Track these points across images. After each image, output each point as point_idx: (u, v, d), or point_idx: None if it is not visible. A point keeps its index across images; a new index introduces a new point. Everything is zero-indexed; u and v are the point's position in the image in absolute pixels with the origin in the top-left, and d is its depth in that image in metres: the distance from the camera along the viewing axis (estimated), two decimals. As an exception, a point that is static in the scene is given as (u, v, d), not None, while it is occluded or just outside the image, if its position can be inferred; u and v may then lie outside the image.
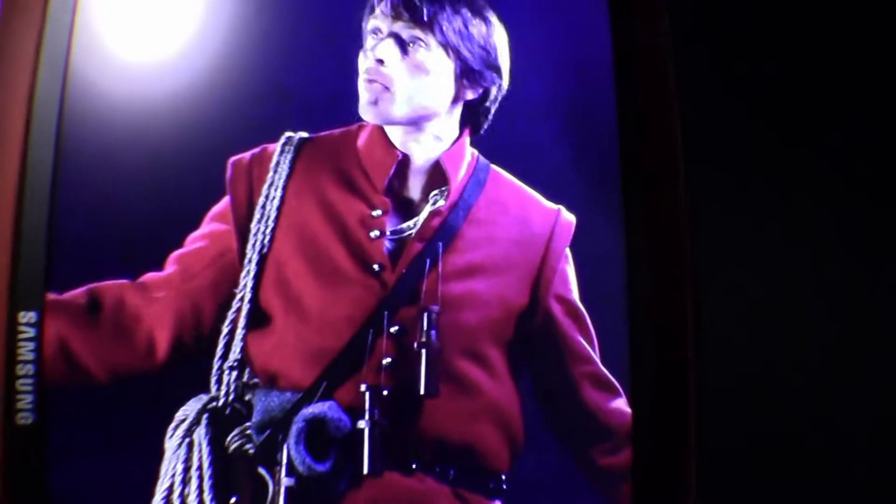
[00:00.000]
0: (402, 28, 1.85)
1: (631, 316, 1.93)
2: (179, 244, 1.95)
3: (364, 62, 1.87)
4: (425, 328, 1.80)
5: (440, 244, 1.85)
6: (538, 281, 1.89)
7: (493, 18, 1.92)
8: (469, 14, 1.89)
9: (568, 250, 1.93)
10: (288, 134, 1.95)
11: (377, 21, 1.87)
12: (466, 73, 1.88)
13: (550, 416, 1.92)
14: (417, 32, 1.85)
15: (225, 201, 1.93)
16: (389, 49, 1.85)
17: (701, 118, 2.09)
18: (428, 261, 1.84)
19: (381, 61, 1.84)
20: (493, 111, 1.94)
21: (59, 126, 2.05)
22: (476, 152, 1.94)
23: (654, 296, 1.95)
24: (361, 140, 1.93)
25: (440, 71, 1.87)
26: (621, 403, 1.88)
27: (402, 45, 1.85)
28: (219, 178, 1.95)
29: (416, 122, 1.88)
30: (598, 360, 1.91)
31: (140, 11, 2.14)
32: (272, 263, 1.87)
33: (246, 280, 1.87)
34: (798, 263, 2.12)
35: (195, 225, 1.95)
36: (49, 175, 2.04)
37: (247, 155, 1.93)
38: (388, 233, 1.87)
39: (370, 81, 1.85)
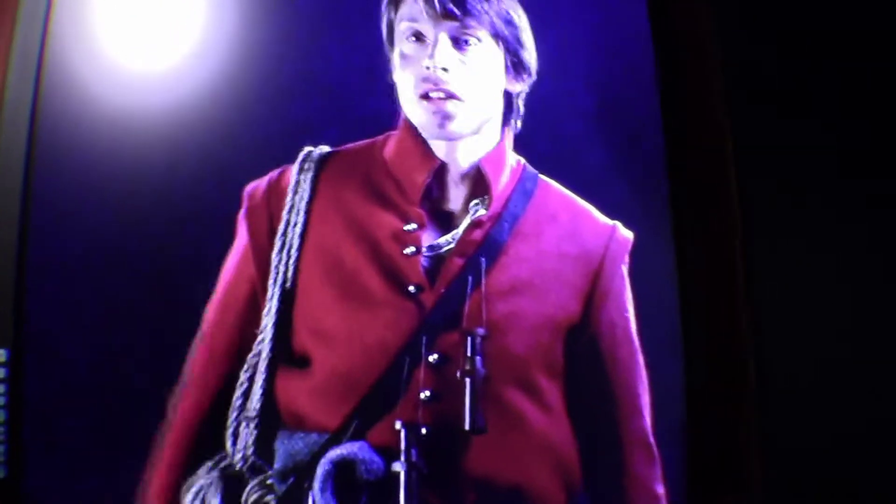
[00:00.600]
0: (452, 26, 1.64)
1: (685, 335, 1.81)
2: (163, 279, 1.77)
3: (411, 72, 1.65)
4: (469, 355, 1.57)
5: (483, 259, 1.63)
6: (590, 301, 1.68)
7: None
8: None
9: (625, 269, 1.72)
10: (307, 149, 1.75)
11: (416, 24, 1.65)
12: (514, 65, 1.69)
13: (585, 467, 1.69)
14: (470, 27, 1.64)
15: (241, 240, 1.73)
16: (449, 53, 1.64)
17: (753, 132, 2.00)
18: (470, 279, 1.62)
19: (445, 69, 1.63)
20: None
21: (29, 156, 1.95)
22: (523, 160, 1.75)
23: (709, 313, 1.85)
24: (390, 148, 1.73)
25: (495, 66, 1.68)
26: (657, 475, 1.69)
27: (458, 45, 1.65)
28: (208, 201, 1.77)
29: (477, 130, 1.69)
30: (643, 402, 1.70)
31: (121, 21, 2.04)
32: (298, 296, 1.66)
33: (267, 320, 1.65)
34: (858, 276, 1.99)
35: (185, 261, 1.77)
36: (19, 205, 1.92)
37: (263, 182, 1.73)
38: (424, 249, 1.65)
39: (435, 96, 1.63)
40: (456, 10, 1.62)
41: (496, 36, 1.66)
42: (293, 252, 1.66)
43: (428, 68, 1.62)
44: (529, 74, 1.72)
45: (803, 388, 1.91)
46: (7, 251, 1.88)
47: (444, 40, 1.63)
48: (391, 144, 1.72)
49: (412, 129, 1.69)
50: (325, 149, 1.75)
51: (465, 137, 1.67)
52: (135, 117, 2.09)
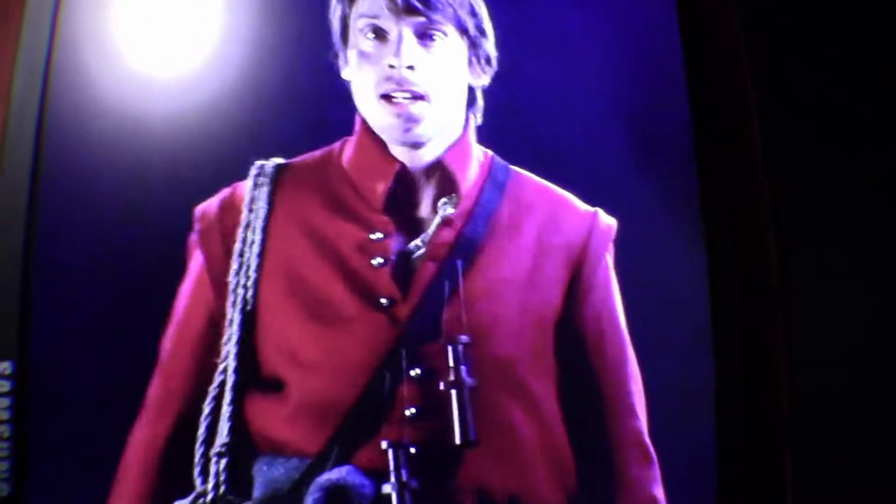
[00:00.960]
0: (416, 21, 1.54)
1: (717, 352, 1.77)
2: (172, 287, 1.67)
3: (371, 71, 1.56)
4: (453, 364, 1.48)
5: (458, 262, 1.53)
6: (572, 292, 1.58)
7: None
8: None
9: (609, 259, 1.62)
10: (259, 163, 1.65)
11: (377, 20, 1.55)
12: (477, 57, 1.60)
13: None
14: (435, 22, 1.55)
15: (195, 263, 1.63)
16: (415, 50, 1.54)
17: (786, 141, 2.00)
18: (447, 283, 1.52)
19: (411, 67, 1.53)
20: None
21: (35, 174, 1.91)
22: (490, 152, 1.64)
23: (741, 318, 1.81)
24: (348, 155, 1.63)
25: (460, 61, 1.58)
26: (654, 477, 1.59)
27: (422, 40, 1.55)
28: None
29: (442, 130, 1.59)
30: (634, 400, 1.61)
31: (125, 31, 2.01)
32: (261, 319, 1.56)
33: (228, 347, 1.55)
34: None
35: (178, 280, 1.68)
36: (24, 219, 1.88)
37: (214, 201, 1.63)
38: (392, 257, 1.55)
39: (400, 97, 1.54)
40: (419, 5, 1.52)
41: (461, 29, 1.56)
42: (252, 273, 1.56)
43: (392, 66, 1.52)
44: (491, 66, 1.62)
45: (837, 395, 1.86)
46: (12, 260, 1.84)
47: (409, 36, 1.53)
48: (348, 150, 1.62)
49: (370, 133, 1.59)
50: (279, 161, 1.65)
51: (431, 141, 1.56)
52: (145, 119, 2.06)
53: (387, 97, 1.53)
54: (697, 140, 1.91)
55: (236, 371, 1.54)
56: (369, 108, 1.56)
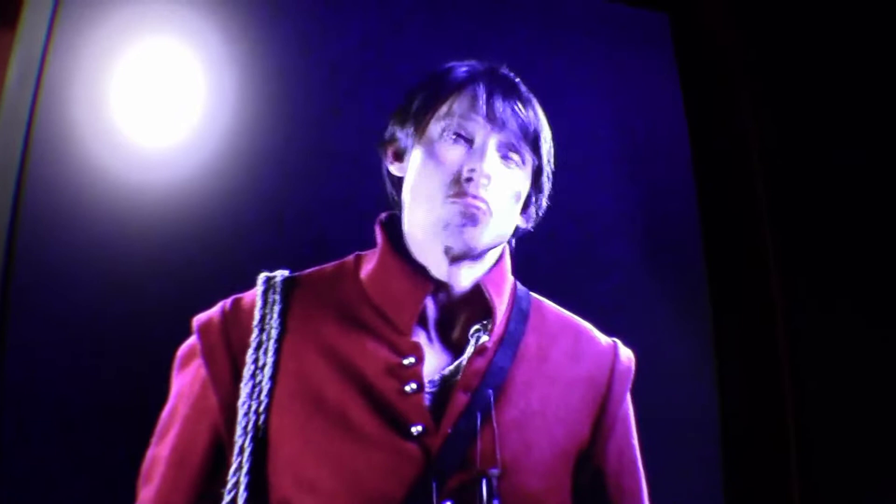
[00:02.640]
0: (505, 138, 1.48)
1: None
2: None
3: (444, 172, 1.47)
4: (486, 499, 1.39)
5: (490, 392, 1.45)
6: (598, 427, 1.54)
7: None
8: (548, 129, 1.56)
9: (628, 396, 1.60)
10: (265, 275, 1.55)
11: (466, 122, 1.48)
12: (535, 199, 1.57)
13: None
14: (519, 145, 1.49)
15: (197, 379, 1.49)
16: (496, 164, 1.47)
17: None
18: (479, 414, 1.44)
19: (489, 177, 1.46)
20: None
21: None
22: (512, 278, 1.60)
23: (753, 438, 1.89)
24: (367, 271, 1.53)
25: (521, 193, 1.53)
26: None
27: (504, 159, 1.49)
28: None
29: (483, 254, 1.52)
30: None
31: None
32: (274, 446, 1.44)
33: (238, 476, 1.42)
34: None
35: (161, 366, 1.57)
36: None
37: (215, 314, 1.51)
38: (426, 384, 1.47)
39: (467, 202, 1.45)
40: (515, 124, 1.47)
41: (535, 167, 1.53)
42: (264, 397, 1.43)
43: (472, 170, 1.44)
44: (538, 216, 1.59)
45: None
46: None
47: (494, 149, 1.47)
48: (367, 266, 1.53)
49: (394, 249, 1.51)
50: (286, 273, 1.55)
51: (472, 256, 1.49)
52: (126, 185, 2.02)
53: (454, 196, 1.45)
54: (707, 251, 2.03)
55: (246, 501, 1.40)
56: (429, 207, 1.47)
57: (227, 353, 1.46)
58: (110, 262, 2.00)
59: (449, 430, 1.42)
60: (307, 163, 2.18)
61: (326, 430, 1.41)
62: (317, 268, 1.57)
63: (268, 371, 1.45)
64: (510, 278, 1.57)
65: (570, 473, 1.49)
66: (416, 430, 1.42)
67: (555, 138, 1.61)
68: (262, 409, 1.43)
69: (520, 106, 1.49)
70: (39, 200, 1.98)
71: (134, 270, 2.01)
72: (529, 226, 1.59)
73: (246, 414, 1.43)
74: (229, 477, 1.41)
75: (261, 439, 1.43)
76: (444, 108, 1.49)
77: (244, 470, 1.41)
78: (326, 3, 2.28)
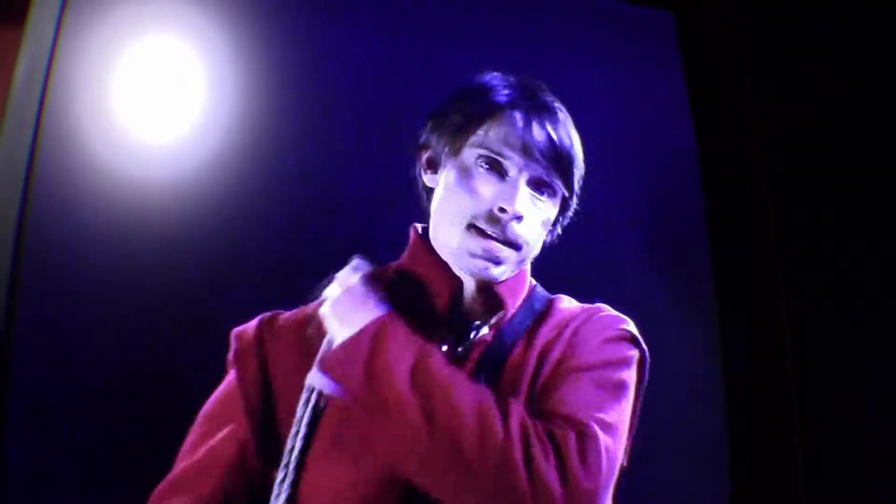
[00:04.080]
0: (539, 171, 1.46)
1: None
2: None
3: (470, 198, 1.45)
4: None
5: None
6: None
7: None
8: (577, 144, 1.52)
9: (611, 350, 1.49)
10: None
11: (502, 157, 1.46)
12: (560, 219, 1.55)
13: None
14: (553, 179, 1.47)
15: (228, 389, 1.51)
16: (527, 201, 1.46)
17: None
18: None
19: (520, 218, 1.45)
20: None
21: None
22: (534, 281, 1.59)
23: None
24: (402, 272, 1.54)
25: (552, 216, 1.52)
26: None
27: (534, 190, 1.47)
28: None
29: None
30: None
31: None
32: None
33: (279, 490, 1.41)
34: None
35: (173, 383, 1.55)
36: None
37: (252, 324, 1.52)
38: None
39: (491, 236, 1.44)
40: (551, 157, 1.45)
41: (565, 196, 1.50)
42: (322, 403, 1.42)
43: (504, 211, 1.43)
44: (559, 231, 1.58)
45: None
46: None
47: (526, 185, 1.46)
48: (400, 271, 1.54)
49: (427, 246, 1.52)
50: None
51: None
52: (134, 183, 2.02)
53: (479, 230, 1.45)
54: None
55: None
56: (451, 231, 1.47)
57: (256, 361, 1.48)
58: (117, 257, 2.00)
59: None
60: (315, 158, 2.18)
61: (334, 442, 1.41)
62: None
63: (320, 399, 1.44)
64: (529, 282, 1.57)
65: None
66: None
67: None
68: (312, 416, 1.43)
69: (556, 136, 1.46)
70: (48, 196, 1.99)
71: (141, 265, 2.01)
72: (553, 239, 1.58)
73: (299, 420, 1.42)
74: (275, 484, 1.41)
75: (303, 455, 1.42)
76: (480, 133, 1.47)
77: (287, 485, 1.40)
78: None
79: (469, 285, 1.51)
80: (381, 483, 1.36)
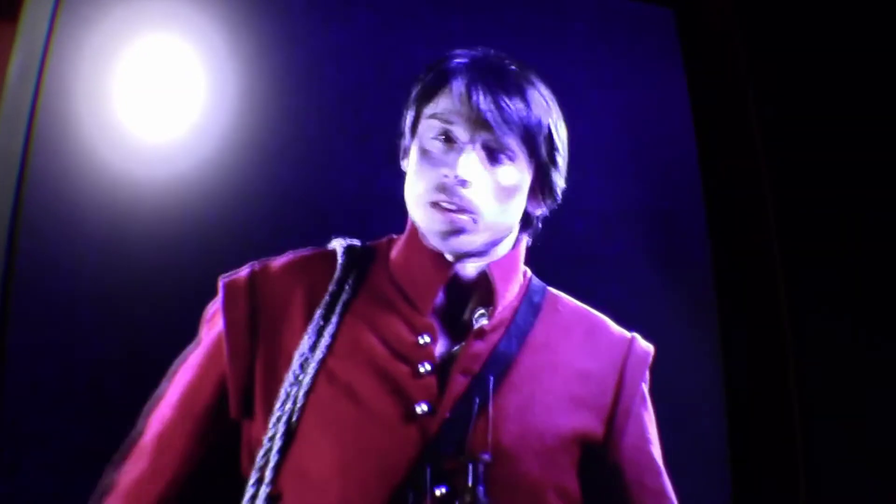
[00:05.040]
0: (489, 136, 1.44)
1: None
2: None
3: (428, 174, 1.45)
4: (471, 484, 1.36)
5: (490, 377, 1.43)
6: (611, 422, 1.51)
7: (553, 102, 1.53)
8: (546, 106, 1.50)
9: (645, 388, 1.57)
10: (347, 242, 1.58)
11: (450, 125, 1.45)
12: (540, 186, 1.52)
13: None
14: (507, 141, 1.44)
15: (212, 332, 1.51)
16: (475, 166, 1.43)
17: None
18: (477, 399, 1.42)
19: (465, 182, 1.43)
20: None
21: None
22: (529, 272, 1.59)
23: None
24: (395, 253, 1.55)
25: (521, 187, 1.49)
26: None
27: (490, 157, 1.45)
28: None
29: (486, 250, 1.51)
30: None
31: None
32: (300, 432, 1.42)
33: (267, 458, 1.40)
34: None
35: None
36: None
37: (243, 271, 1.53)
38: (437, 363, 1.46)
39: (448, 209, 1.43)
40: (495, 123, 1.42)
41: (532, 154, 1.47)
42: (310, 369, 1.42)
43: (446, 177, 1.43)
44: (555, 198, 1.55)
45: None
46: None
47: (474, 150, 1.43)
48: (396, 250, 1.54)
49: (420, 235, 1.51)
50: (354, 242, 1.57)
51: (474, 254, 1.49)
52: (129, 179, 2.02)
53: (435, 205, 1.44)
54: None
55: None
56: (417, 209, 1.48)
57: (247, 309, 1.47)
58: (112, 257, 1.99)
59: (447, 415, 1.41)
60: (312, 156, 2.17)
61: (331, 404, 1.41)
62: (361, 244, 1.57)
63: (330, 329, 1.45)
64: (521, 268, 1.56)
65: (574, 465, 1.47)
66: (420, 408, 1.41)
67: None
68: (305, 386, 1.42)
69: (507, 98, 1.44)
70: (41, 195, 1.98)
71: (136, 266, 2.00)
72: (544, 211, 1.56)
73: (288, 388, 1.41)
74: (251, 463, 1.40)
75: (294, 426, 1.41)
76: (432, 106, 1.47)
77: (273, 450, 1.40)
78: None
79: (462, 271, 1.49)
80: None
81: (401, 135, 1.55)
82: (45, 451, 1.89)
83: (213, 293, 1.99)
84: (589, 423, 1.49)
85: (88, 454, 1.87)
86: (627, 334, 1.57)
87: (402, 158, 1.55)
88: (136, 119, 2.09)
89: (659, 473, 1.54)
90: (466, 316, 1.50)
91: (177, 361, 1.53)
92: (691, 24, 2.40)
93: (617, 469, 1.51)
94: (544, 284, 1.58)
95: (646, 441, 1.54)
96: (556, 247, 1.64)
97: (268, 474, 1.39)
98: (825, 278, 2.13)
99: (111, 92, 2.08)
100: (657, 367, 1.62)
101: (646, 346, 1.57)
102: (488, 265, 1.50)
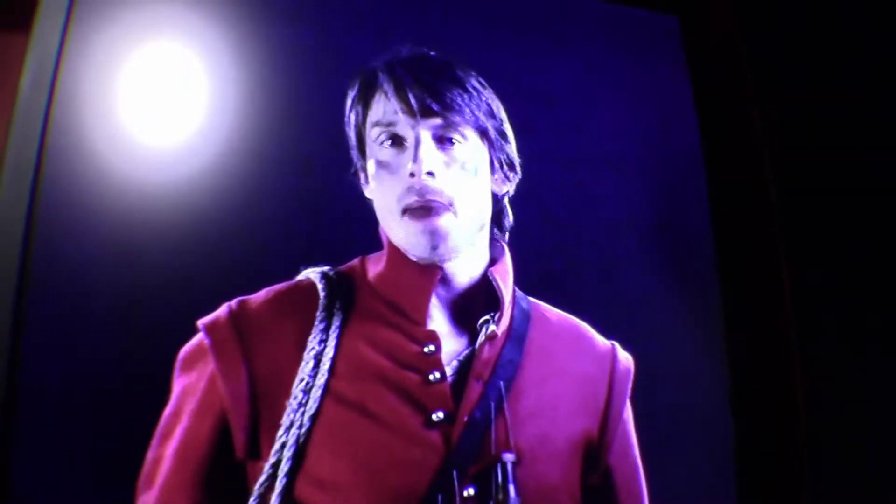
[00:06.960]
0: (433, 124, 1.44)
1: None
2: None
3: (391, 182, 1.45)
4: (501, 482, 1.39)
5: (501, 383, 1.45)
6: (605, 425, 1.54)
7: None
8: (479, 85, 1.50)
9: (627, 402, 1.60)
10: (322, 270, 1.56)
11: (392, 127, 1.45)
12: (499, 160, 1.52)
13: None
14: (453, 124, 1.44)
15: (202, 375, 1.48)
16: (434, 154, 1.43)
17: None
18: (493, 403, 1.44)
19: (431, 173, 1.42)
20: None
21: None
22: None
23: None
24: (376, 271, 1.53)
25: (482, 165, 1.49)
26: None
27: (441, 144, 1.45)
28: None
29: (469, 243, 1.51)
30: None
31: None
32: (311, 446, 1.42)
33: (270, 484, 1.40)
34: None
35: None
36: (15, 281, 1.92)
37: (221, 312, 1.50)
38: (449, 371, 1.47)
39: (423, 213, 1.43)
40: (436, 105, 1.42)
41: (480, 131, 1.47)
42: (314, 393, 1.41)
43: (412, 175, 1.42)
44: (516, 172, 1.55)
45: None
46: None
47: (427, 140, 1.43)
48: (376, 268, 1.53)
49: (404, 249, 1.49)
50: (320, 271, 1.55)
51: (460, 255, 1.48)
52: (142, 185, 2.03)
53: (410, 211, 1.43)
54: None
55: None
56: (392, 223, 1.47)
57: (238, 347, 1.45)
58: (125, 264, 2.01)
59: (466, 419, 1.42)
60: (322, 163, 2.18)
61: (345, 425, 1.41)
62: (332, 269, 1.56)
63: (329, 353, 1.44)
64: (512, 274, 1.56)
65: (580, 468, 1.50)
66: (437, 416, 1.42)
67: (564, 141, 1.61)
68: (311, 406, 1.41)
69: (439, 82, 1.44)
70: (55, 202, 1.99)
71: (148, 272, 2.01)
72: (509, 188, 1.55)
73: (293, 411, 1.40)
74: (255, 482, 1.39)
75: (303, 444, 1.40)
76: (371, 115, 1.47)
77: (282, 475, 1.38)
78: (343, 3, 2.29)
79: (453, 277, 1.49)
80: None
81: (352, 163, 1.55)
82: (61, 453, 1.90)
83: (226, 296, 2.02)
84: (590, 426, 1.52)
85: (101, 455, 1.91)
86: (608, 343, 1.60)
87: (364, 185, 1.55)
88: (147, 127, 2.11)
89: (641, 480, 1.59)
90: (469, 323, 1.50)
91: (161, 425, 1.50)
92: (696, 31, 2.41)
93: (609, 472, 1.54)
94: (524, 293, 1.58)
95: (630, 446, 1.58)
96: (563, 253, 1.65)
97: (274, 500, 1.37)
98: (831, 284, 2.14)
99: (123, 100, 2.10)
100: (663, 373, 1.65)
101: (626, 356, 1.59)
102: (490, 271, 1.50)
